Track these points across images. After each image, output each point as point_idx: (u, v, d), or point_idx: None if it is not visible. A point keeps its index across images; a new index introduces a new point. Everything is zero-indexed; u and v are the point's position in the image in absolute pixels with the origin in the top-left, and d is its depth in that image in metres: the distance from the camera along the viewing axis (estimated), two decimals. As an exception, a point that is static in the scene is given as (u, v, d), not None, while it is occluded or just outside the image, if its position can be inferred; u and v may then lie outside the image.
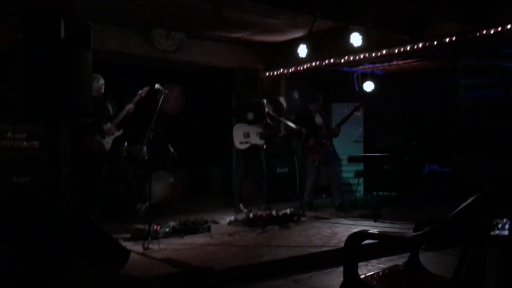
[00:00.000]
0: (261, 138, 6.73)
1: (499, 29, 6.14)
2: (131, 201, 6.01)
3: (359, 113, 7.41)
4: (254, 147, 6.75)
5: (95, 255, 3.56)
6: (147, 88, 5.87)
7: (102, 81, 6.05)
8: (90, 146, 5.93)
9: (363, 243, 2.38)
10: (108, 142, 5.99)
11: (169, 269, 3.88)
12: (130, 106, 5.88)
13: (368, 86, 9.04)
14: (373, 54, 7.67)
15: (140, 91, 5.90)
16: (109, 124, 5.99)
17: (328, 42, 7.92)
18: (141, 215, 5.74)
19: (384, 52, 7.53)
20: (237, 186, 7.04)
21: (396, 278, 2.47)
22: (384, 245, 4.69)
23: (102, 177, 6.13)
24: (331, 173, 7.26)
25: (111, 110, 6.15)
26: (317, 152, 7.08)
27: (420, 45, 7.03)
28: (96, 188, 6.04)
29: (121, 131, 6.06)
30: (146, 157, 6.46)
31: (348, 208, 7.10)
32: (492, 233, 2.13)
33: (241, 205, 6.84)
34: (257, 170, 6.89)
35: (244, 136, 6.73)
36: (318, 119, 7.26)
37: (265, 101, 6.81)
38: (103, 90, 6.09)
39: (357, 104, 7.20)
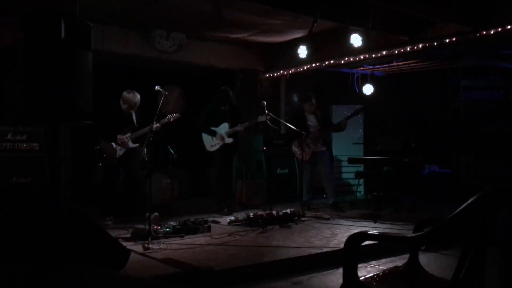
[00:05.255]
0: (229, 137, 6.86)
1: (499, 30, 6.14)
2: (141, 209, 5.98)
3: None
4: (225, 146, 6.85)
5: (95, 255, 3.56)
6: (177, 115, 6.01)
7: (138, 97, 6.08)
8: (103, 150, 6.04)
9: (363, 244, 2.38)
10: (121, 149, 6.07)
11: (169, 269, 3.88)
12: (156, 126, 5.86)
13: (368, 89, 9.05)
14: (373, 55, 7.68)
15: (169, 116, 5.98)
16: (128, 134, 6.04)
17: (328, 43, 7.93)
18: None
19: (384, 53, 7.55)
20: (218, 187, 7.12)
21: (396, 279, 2.47)
22: (384, 246, 4.70)
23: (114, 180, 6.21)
24: (323, 173, 7.30)
25: (135, 121, 6.18)
26: (305, 152, 7.09)
27: (420, 46, 7.04)
28: (109, 191, 6.13)
29: (137, 145, 6.09)
30: (146, 158, 6.47)
31: (342, 207, 7.15)
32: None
33: (222, 206, 6.95)
34: (230, 169, 7.01)
35: (213, 139, 6.86)
36: (312, 121, 7.27)
37: (264, 103, 6.83)
38: (137, 105, 6.13)
39: (362, 106, 7.22)
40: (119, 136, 6.03)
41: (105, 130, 6.00)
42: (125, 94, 6.08)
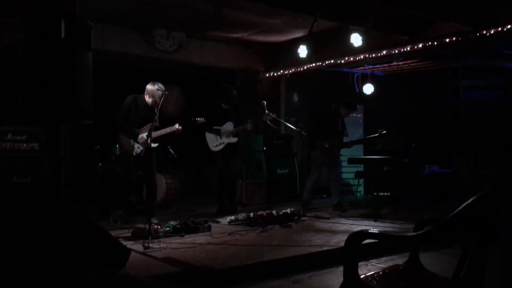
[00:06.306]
0: (233, 136, 6.77)
1: (499, 29, 6.15)
2: (148, 213, 5.89)
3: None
4: (229, 145, 6.75)
5: (95, 255, 3.56)
6: (202, 119, 6.04)
7: (163, 88, 5.69)
8: (121, 144, 5.98)
9: (363, 242, 2.38)
10: (139, 147, 5.87)
11: (169, 269, 3.88)
12: (178, 128, 5.80)
13: (368, 88, 9.05)
14: (373, 55, 7.69)
15: (193, 119, 5.99)
16: (145, 135, 5.78)
17: (328, 42, 7.93)
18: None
19: (384, 52, 7.55)
20: (218, 188, 6.98)
21: (396, 277, 2.47)
22: (384, 244, 4.70)
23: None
24: (333, 174, 7.30)
25: (157, 120, 6.04)
26: (327, 154, 7.11)
27: (420, 45, 7.05)
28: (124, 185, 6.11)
29: (156, 145, 5.92)
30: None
31: (345, 207, 7.16)
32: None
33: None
34: (234, 169, 6.98)
35: (217, 138, 6.74)
36: (339, 125, 7.33)
37: (265, 103, 6.82)
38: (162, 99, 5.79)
39: (378, 133, 7.24)
40: (141, 136, 5.80)
41: (128, 123, 5.80)
42: (149, 86, 5.78)
